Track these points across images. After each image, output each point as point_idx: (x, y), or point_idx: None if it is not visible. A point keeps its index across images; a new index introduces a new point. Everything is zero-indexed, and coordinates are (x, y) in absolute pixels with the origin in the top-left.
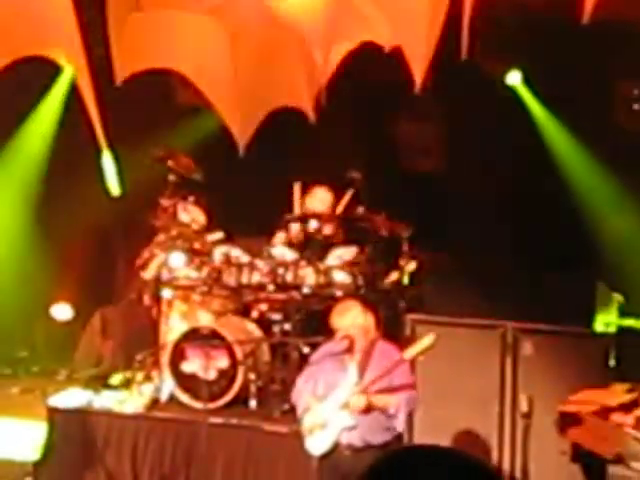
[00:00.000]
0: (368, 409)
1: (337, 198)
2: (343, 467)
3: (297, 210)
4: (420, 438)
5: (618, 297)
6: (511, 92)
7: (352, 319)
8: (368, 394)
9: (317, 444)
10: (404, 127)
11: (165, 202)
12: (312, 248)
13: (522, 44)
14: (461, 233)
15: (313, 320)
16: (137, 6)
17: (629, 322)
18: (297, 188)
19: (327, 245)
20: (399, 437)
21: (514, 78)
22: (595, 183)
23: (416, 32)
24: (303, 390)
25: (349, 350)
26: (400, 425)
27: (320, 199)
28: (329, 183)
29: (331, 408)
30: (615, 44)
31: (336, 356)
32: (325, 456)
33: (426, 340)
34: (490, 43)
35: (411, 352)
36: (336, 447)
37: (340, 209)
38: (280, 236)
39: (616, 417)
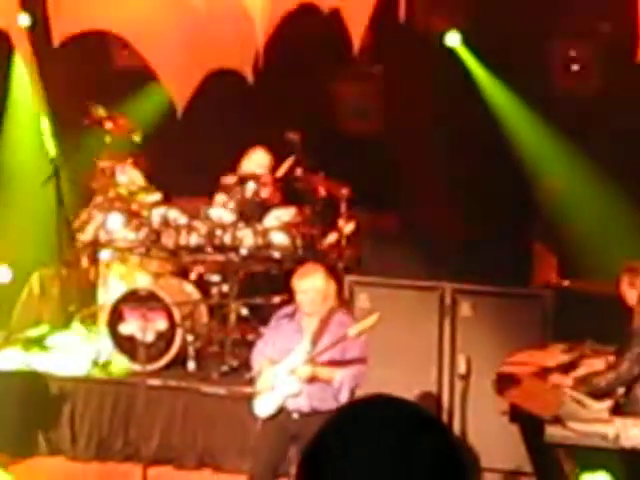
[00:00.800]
0: (313, 379)
1: (275, 159)
2: (291, 429)
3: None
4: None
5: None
6: (449, 53)
7: (312, 283)
8: (315, 364)
9: (263, 406)
10: (342, 89)
11: (103, 163)
12: (250, 209)
13: (460, 5)
14: (399, 195)
15: (252, 281)
16: None
17: (567, 282)
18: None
19: (265, 206)
20: None
21: (452, 39)
22: (533, 143)
23: None
24: (260, 352)
25: (292, 314)
26: (343, 398)
27: (257, 161)
28: (267, 144)
29: (281, 372)
30: (552, 4)
31: (294, 320)
32: (270, 418)
33: (370, 319)
34: (428, 4)
35: (355, 329)
36: (282, 410)
37: (281, 173)
38: (218, 198)
39: (554, 378)
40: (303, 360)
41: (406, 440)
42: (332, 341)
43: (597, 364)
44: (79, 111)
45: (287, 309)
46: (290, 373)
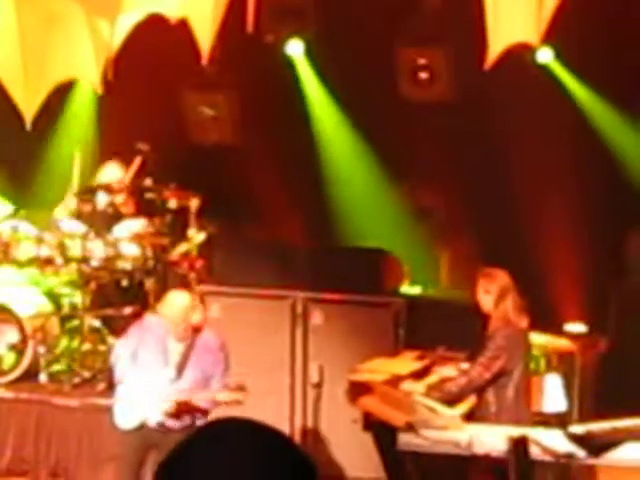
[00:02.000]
0: (177, 416)
1: (127, 170)
2: (152, 439)
3: (75, 180)
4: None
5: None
6: (292, 63)
7: (180, 311)
8: (179, 404)
9: (125, 419)
10: (192, 98)
11: None
12: (102, 221)
13: (306, 13)
14: (251, 205)
15: (103, 292)
16: None
17: (417, 290)
18: (77, 157)
19: (116, 217)
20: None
21: (295, 48)
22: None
23: (202, 3)
24: (121, 356)
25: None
26: (200, 420)
27: (110, 174)
28: (118, 155)
29: (144, 390)
30: (398, 12)
31: (159, 336)
32: (129, 431)
33: (238, 395)
34: (274, 12)
35: (223, 397)
36: (143, 425)
37: (127, 179)
38: (69, 209)
39: (406, 385)
40: (167, 387)
41: (259, 460)
42: (202, 368)
43: (449, 371)
44: None
45: (148, 321)
46: (153, 402)
